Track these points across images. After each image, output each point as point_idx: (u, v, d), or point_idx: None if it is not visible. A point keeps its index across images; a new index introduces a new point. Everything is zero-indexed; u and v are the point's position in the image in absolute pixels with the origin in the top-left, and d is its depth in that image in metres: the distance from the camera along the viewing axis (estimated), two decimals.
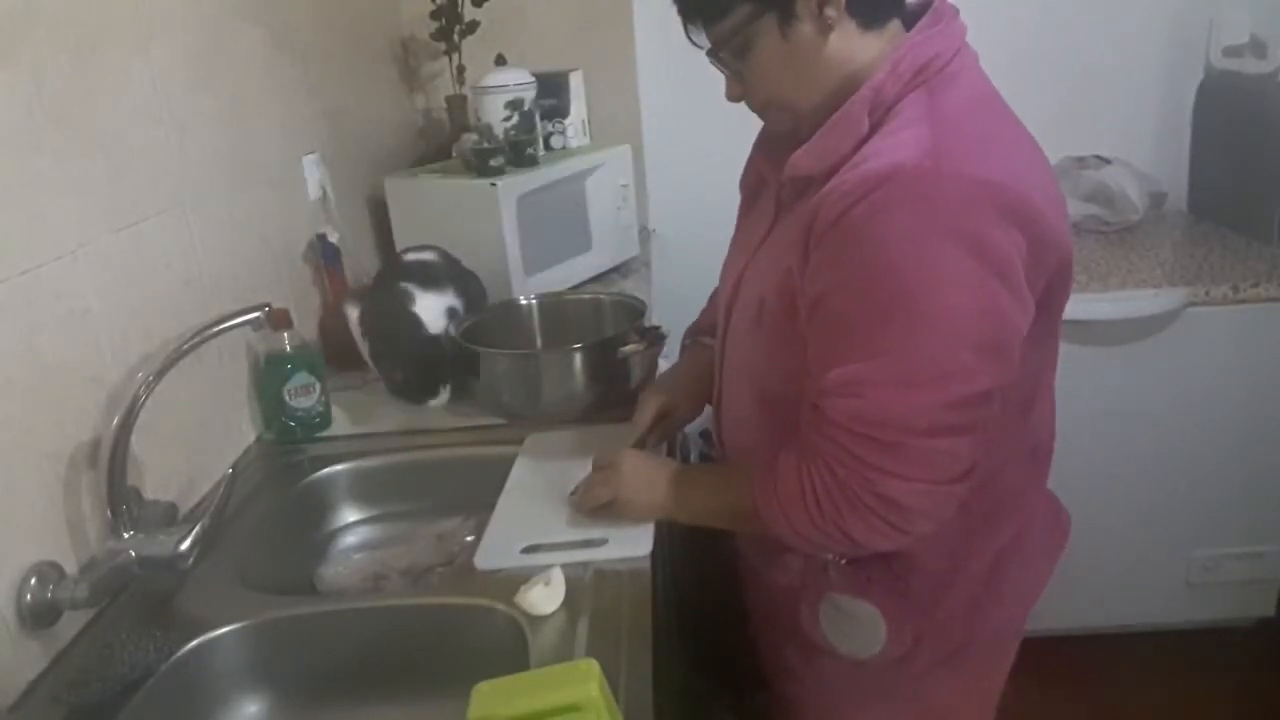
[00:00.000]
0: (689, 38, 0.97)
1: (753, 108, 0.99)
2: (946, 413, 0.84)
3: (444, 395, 1.44)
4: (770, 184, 1.05)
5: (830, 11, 0.88)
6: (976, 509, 0.97)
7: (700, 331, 1.31)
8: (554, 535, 1.08)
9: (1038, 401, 1.03)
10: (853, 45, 0.90)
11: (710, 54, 0.96)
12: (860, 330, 0.85)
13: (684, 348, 1.33)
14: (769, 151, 1.05)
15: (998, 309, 0.83)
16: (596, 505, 1.09)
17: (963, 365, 0.83)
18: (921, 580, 1.01)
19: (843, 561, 1.02)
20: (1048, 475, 1.14)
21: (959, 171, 0.82)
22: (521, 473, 1.23)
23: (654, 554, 1.05)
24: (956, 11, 0.95)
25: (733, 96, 0.98)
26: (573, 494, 1.14)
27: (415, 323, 1.44)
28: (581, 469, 1.19)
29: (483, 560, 1.05)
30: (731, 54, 0.94)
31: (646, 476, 1.08)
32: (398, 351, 1.45)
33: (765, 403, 1.03)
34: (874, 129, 0.88)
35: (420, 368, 1.43)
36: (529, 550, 1.06)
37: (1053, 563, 1.14)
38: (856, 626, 1.03)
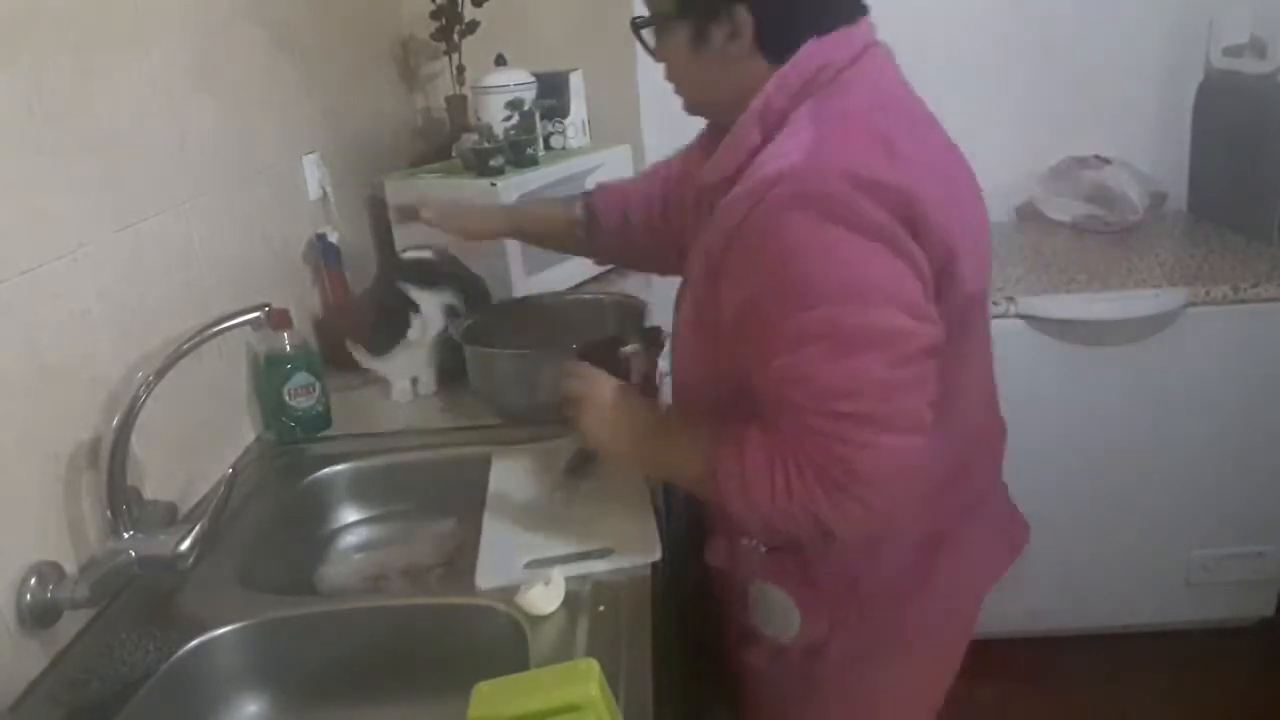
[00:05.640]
0: None
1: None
2: (894, 370, 0.86)
3: (418, 330, 1.43)
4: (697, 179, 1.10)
5: (733, 48, 0.93)
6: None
7: (591, 195, 1.37)
8: (555, 548, 1.06)
9: (950, 400, 0.96)
10: (756, 72, 0.93)
11: (632, 24, 1.02)
12: (792, 324, 0.86)
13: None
14: (699, 153, 1.11)
15: (905, 276, 0.87)
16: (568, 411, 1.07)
17: (896, 328, 0.86)
18: (831, 569, 1.03)
19: (762, 549, 1.05)
20: (989, 475, 1.14)
21: (837, 165, 0.86)
22: (500, 490, 1.21)
23: None
24: (852, 18, 0.96)
25: (656, 59, 1.04)
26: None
27: (397, 289, 1.48)
28: (554, 477, 1.19)
29: (484, 579, 1.02)
30: (650, 35, 1.01)
31: (615, 419, 1.05)
32: (370, 302, 1.47)
33: (711, 380, 1.04)
34: (766, 140, 0.92)
35: (393, 307, 1.44)
36: (532, 565, 1.03)
37: (999, 566, 1.13)
38: (775, 611, 1.07)
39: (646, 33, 1.01)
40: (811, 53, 0.92)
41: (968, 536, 1.08)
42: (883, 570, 1.04)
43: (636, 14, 1.02)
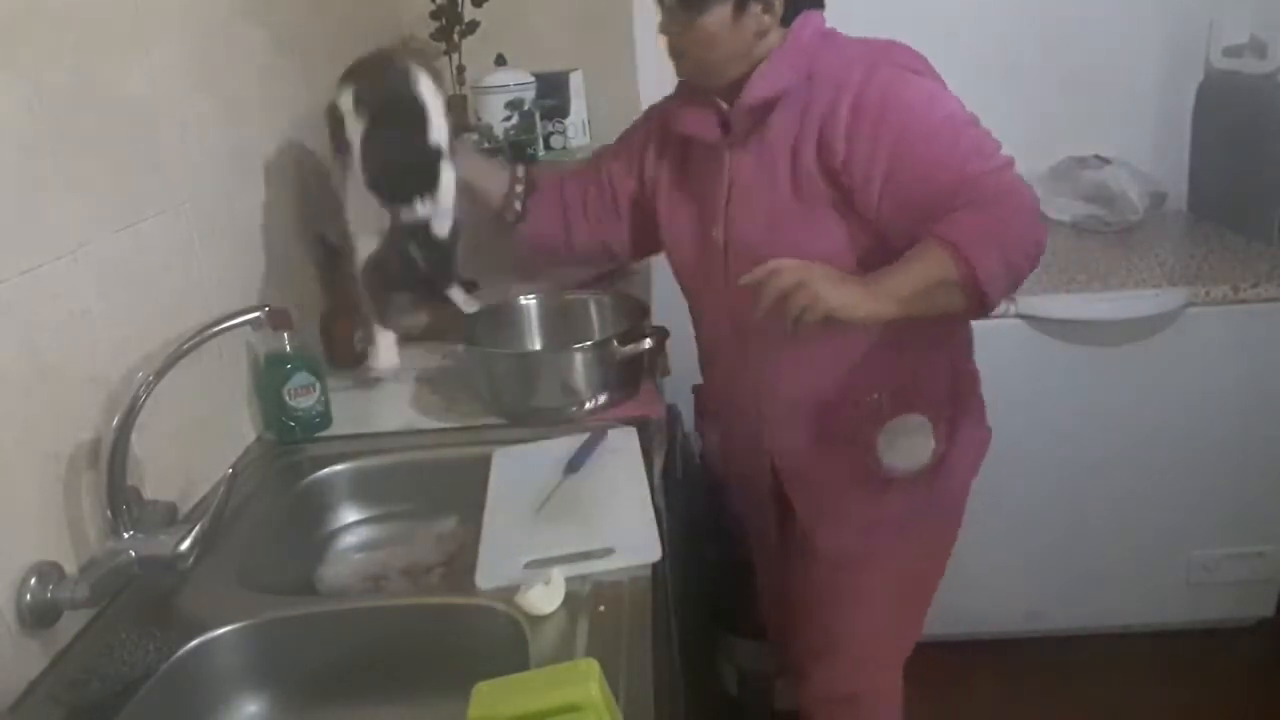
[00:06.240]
0: None
1: (672, 52, 1.26)
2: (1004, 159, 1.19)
3: (426, 208, 1.29)
4: (706, 140, 1.30)
5: (768, 18, 1.21)
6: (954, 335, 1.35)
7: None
8: (555, 548, 1.05)
9: None
10: (773, 37, 1.23)
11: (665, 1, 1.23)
12: (941, 129, 1.17)
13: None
14: (695, 114, 1.31)
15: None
16: (813, 321, 1.11)
17: (986, 130, 1.21)
18: (936, 386, 1.30)
19: (885, 398, 1.28)
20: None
21: (888, 55, 1.22)
22: (500, 490, 1.21)
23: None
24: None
25: (666, 32, 1.25)
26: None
27: (418, 112, 1.29)
28: (554, 476, 1.19)
29: (484, 579, 1.02)
30: (685, 10, 1.20)
31: (840, 277, 1.14)
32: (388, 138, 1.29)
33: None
34: (812, 64, 1.22)
35: (405, 165, 1.29)
36: (532, 565, 1.03)
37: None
38: (912, 439, 1.29)
39: (681, 8, 1.20)
40: (813, 16, 1.24)
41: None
42: (958, 388, 1.34)
43: None
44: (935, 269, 1.12)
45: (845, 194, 1.20)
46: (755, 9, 1.19)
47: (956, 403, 1.33)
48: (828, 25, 1.26)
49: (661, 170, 1.41)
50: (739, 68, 1.23)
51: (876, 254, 1.19)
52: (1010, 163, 1.17)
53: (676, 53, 1.26)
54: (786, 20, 1.22)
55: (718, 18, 1.19)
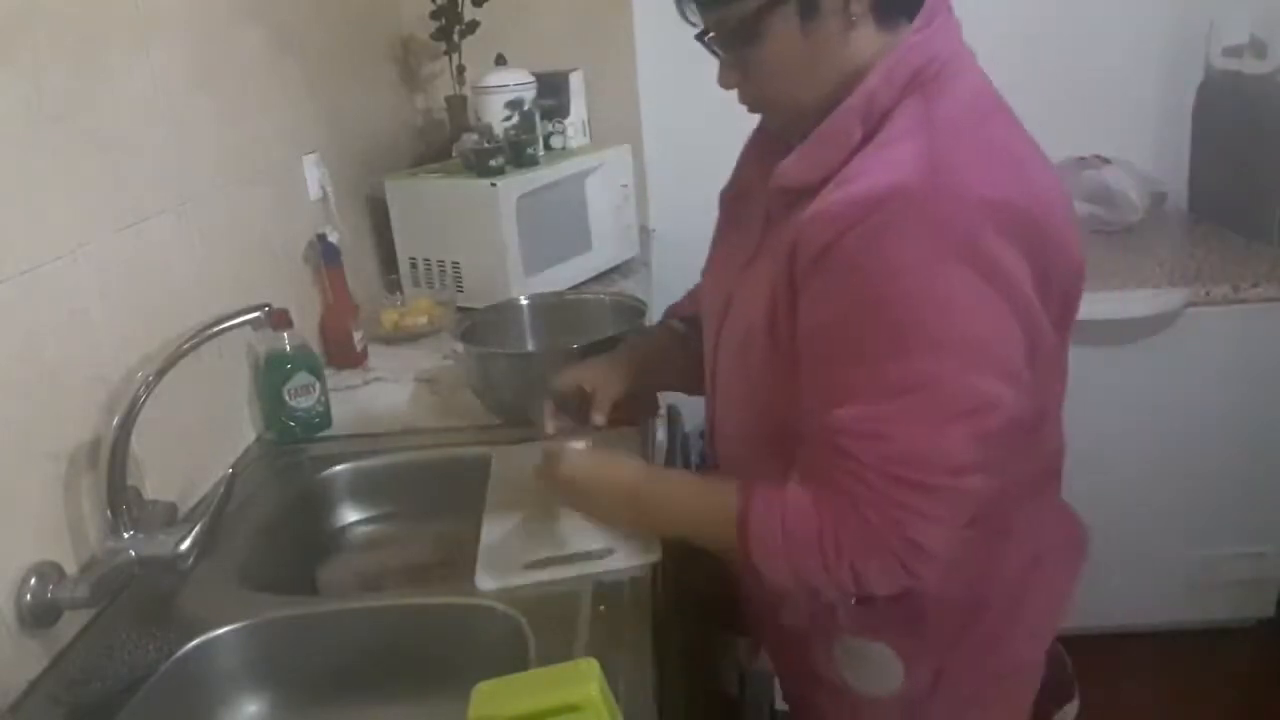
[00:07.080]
0: (682, 14, 0.89)
1: (743, 99, 0.92)
2: (977, 448, 0.79)
3: None
4: (757, 195, 0.96)
5: (856, 7, 0.83)
6: (988, 537, 0.91)
7: (674, 314, 1.24)
8: (555, 548, 1.05)
9: (1045, 420, 0.96)
10: (864, 44, 0.84)
11: (705, 37, 0.88)
12: (876, 365, 0.79)
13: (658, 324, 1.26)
14: (759, 160, 0.98)
15: (1013, 334, 0.80)
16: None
17: (990, 396, 0.78)
18: (938, 616, 0.95)
19: (852, 601, 0.95)
20: (1059, 491, 1.06)
21: (964, 190, 0.77)
22: (499, 490, 1.21)
23: None
24: (950, 8, 0.89)
25: (727, 84, 0.91)
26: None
27: None
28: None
29: (484, 579, 1.02)
30: (736, 41, 0.86)
31: (596, 479, 1.00)
32: None
33: (759, 422, 0.96)
34: (866, 138, 0.83)
35: None
36: (532, 566, 1.03)
37: (1074, 583, 1.06)
38: (872, 666, 0.98)
39: (730, 39, 0.87)
40: (919, 43, 0.84)
41: (1052, 560, 1.02)
42: (986, 609, 0.97)
43: (697, 30, 0.89)
44: (714, 518, 0.89)
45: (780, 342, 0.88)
46: (832, 3, 0.82)
47: (965, 641, 0.97)
48: (948, 49, 0.86)
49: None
50: (833, 80, 0.86)
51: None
52: (963, 505, 0.80)
53: (753, 105, 0.94)
54: (886, 15, 0.84)
55: (780, 38, 0.84)
